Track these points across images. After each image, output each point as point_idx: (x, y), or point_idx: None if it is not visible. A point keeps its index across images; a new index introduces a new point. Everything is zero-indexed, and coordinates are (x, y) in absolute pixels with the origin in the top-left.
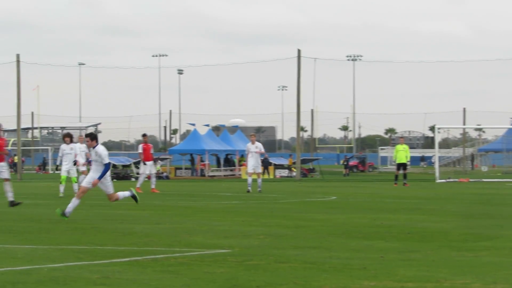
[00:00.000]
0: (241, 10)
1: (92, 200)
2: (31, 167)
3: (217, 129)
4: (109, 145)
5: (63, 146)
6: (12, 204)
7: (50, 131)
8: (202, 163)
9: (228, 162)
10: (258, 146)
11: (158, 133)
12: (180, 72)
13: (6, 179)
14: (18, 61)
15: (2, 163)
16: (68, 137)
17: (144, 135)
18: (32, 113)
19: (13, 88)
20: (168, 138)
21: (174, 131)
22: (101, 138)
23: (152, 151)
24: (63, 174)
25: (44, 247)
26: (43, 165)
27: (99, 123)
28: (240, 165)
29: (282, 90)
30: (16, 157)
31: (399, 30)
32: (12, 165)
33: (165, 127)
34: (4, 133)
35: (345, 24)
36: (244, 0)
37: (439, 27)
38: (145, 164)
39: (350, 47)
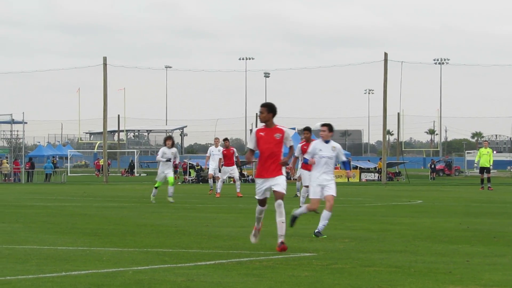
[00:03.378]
0: (319, 13)
1: (177, 203)
2: (117, 169)
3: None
4: (195, 148)
5: (164, 149)
6: None
7: (136, 133)
8: (287, 166)
9: None
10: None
11: (244, 136)
12: (267, 75)
13: None
14: (105, 64)
15: None
16: (170, 140)
17: (225, 140)
18: (118, 116)
19: (99, 91)
20: None
21: None
22: (187, 141)
23: (236, 154)
24: (160, 178)
25: (129, 249)
26: (130, 168)
27: (185, 126)
28: None
29: (369, 93)
30: (102, 160)
31: (479, 33)
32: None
33: (251, 130)
34: None
35: (423, 27)
36: (321, 3)
37: None
38: (221, 169)
39: (430, 50)
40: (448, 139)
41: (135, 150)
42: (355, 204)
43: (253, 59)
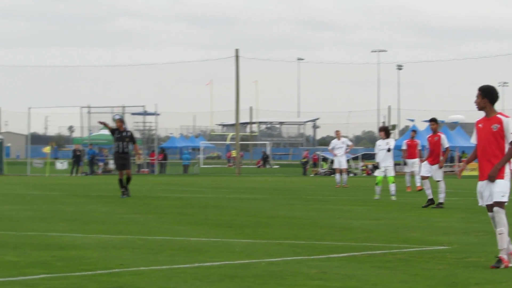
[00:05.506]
0: (446, 4)
1: (309, 195)
2: (249, 161)
3: None
4: (327, 140)
5: (379, 142)
6: None
7: (269, 125)
8: (421, 159)
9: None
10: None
11: (376, 129)
12: (400, 67)
13: None
14: (237, 56)
15: None
16: (383, 131)
17: (414, 131)
18: (251, 108)
19: (231, 83)
20: None
21: (393, 127)
22: (319, 133)
23: (419, 147)
24: (379, 173)
25: (262, 241)
26: (263, 160)
27: (318, 118)
28: (460, 162)
29: (503, 86)
30: (234, 152)
31: None
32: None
33: (383, 122)
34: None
35: None
36: None
37: None
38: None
39: None
40: None
41: (267, 142)
42: None
43: (385, 51)
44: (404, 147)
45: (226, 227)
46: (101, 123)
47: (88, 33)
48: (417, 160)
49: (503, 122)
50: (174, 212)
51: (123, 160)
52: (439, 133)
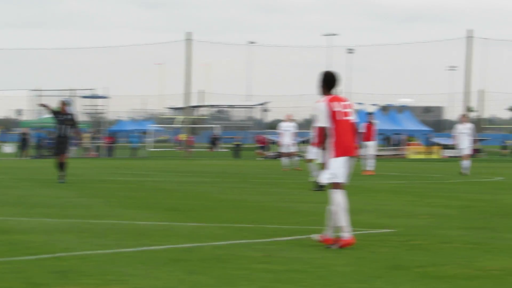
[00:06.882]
0: None
1: (257, 178)
2: (198, 145)
3: (385, 108)
4: (277, 124)
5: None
6: None
7: (218, 109)
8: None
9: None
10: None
11: None
12: (350, 51)
13: None
14: (188, 39)
15: None
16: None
17: (371, 114)
18: (201, 91)
19: (182, 66)
20: None
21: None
22: (270, 116)
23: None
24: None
25: (208, 225)
26: (212, 143)
27: (267, 102)
28: (407, 145)
29: (451, 70)
30: (182, 135)
31: None
32: (180, 143)
33: None
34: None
35: (502, 5)
36: None
37: None
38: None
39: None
40: None
41: (217, 126)
42: (435, 180)
43: (336, 35)
44: (363, 129)
45: (173, 210)
46: (42, 105)
47: (36, 15)
48: (374, 142)
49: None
50: (121, 195)
51: (63, 144)
52: None
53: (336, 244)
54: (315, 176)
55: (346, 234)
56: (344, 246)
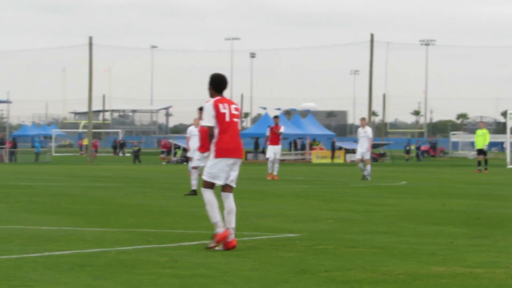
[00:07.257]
0: None
1: (161, 183)
2: (102, 149)
3: (288, 113)
4: (180, 128)
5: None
6: None
7: (122, 113)
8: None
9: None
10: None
11: None
12: (253, 55)
13: None
14: (90, 44)
15: None
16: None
17: (275, 117)
18: (104, 96)
19: (85, 70)
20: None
21: (246, 115)
22: (172, 121)
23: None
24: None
25: (113, 230)
26: (114, 148)
27: (170, 106)
28: (311, 149)
29: (354, 74)
30: (85, 140)
31: (463, 14)
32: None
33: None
34: None
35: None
36: None
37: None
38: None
39: (410, 31)
40: (433, 120)
41: (120, 130)
42: (340, 185)
43: (239, 39)
44: (268, 133)
45: (77, 215)
46: None
47: None
48: (278, 147)
49: None
50: (25, 200)
51: None
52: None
53: (219, 244)
54: (193, 184)
55: (220, 229)
56: (221, 241)
